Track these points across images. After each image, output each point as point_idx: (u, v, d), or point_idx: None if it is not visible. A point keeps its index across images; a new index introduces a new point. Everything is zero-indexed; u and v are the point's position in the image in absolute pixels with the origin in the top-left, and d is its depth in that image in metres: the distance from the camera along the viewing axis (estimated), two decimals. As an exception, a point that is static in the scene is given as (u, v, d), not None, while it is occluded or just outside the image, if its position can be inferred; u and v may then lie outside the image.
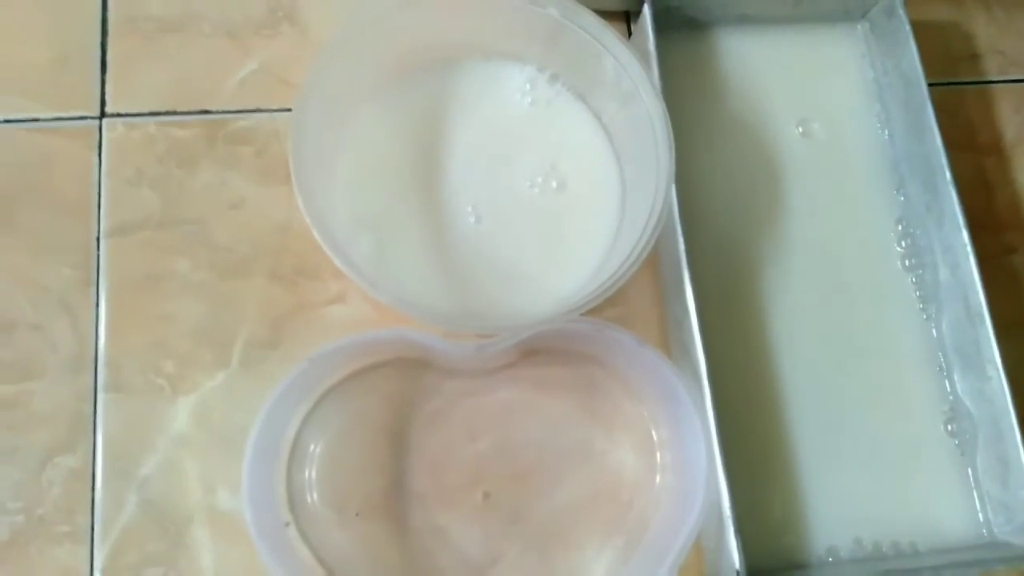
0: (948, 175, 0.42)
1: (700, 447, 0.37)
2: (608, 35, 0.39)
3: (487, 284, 0.41)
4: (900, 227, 0.45)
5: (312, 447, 0.40)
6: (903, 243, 0.44)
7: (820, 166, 0.46)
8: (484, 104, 0.43)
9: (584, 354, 0.42)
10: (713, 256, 0.42)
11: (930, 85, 0.44)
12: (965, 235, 0.41)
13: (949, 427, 0.42)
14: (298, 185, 0.35)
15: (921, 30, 0.45)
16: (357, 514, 0.39)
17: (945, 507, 0.41)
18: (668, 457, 0.41)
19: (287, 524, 0.39)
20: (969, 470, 0.41)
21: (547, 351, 0.42)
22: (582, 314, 0.36)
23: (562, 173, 0.43)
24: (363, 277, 0.34)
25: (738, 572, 0.35)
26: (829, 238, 0.44)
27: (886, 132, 0.46)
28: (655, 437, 0.41)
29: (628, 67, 0.39)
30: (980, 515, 0.41)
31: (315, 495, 0.40)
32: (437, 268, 0.41)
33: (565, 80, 0.43)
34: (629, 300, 0.44)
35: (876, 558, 0.39)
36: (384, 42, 0.41)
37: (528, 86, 0.43)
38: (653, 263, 0.44)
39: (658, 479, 0.40)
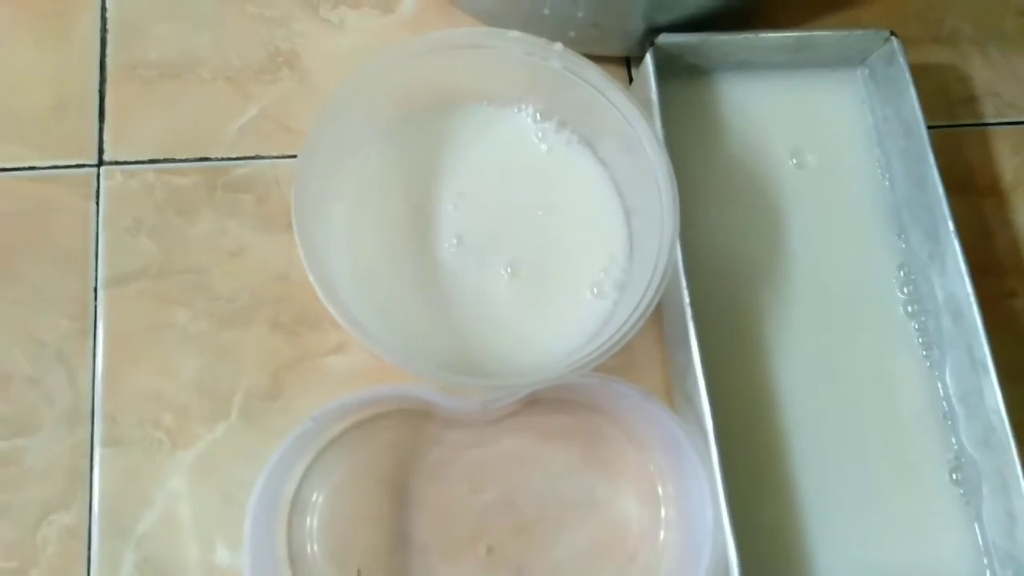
0: (951, 224, 0.42)
1: (706, 503, 0.37)
2: (612, 89, 0.39)
3: (491, 337, 0.41)
4: (902, 273, 0.45)
5: (313, 499, 0.40)
6: (905, 289, 0.44)
7: (821, 211, 0.46)
8: (488, 148, 0.43)
9: (588, 403, 0.42)
10: (716, 302, 0.42)
11: (929, 128, 0.44)
12: (968, 285, 0.41)
13: (954, 476, 0.42)
14: (301, 241, 0.35)
15: (919, 72, 0.45)
16: (359, 571, 0.39)
17: (951, 558, 0.40)
18: (673, 512, 0.40)
19: (288, 582, 0.38)
20: (975, 521, 0.41)
21: (551, 400, 0.42)
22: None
23: (567, 221, 0.43)
24: (367, 337, 0.34)
25: (747, 633, 0.35)
26: (831, 283, 0.44)
27: (887, 178, 0.46)
28: (660, 492, 0.41)
29: (632, 121, 0.39)
30: (987, 567, 0.40)
31: (316, 549, 0.39)
32: (438, 320, 0.41)
33: (572, 126, 0.43)
34: (632, 348, 0.44)
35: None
36: (386, 91, 0.41)
37: (534, 130, 0.43)
38: (656, 312, 0.44)
39: (662, 535, 0.40)
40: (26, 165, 0.44)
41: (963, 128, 0.52)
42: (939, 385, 0.43)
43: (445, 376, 0.35)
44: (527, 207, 0.43)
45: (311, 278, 0.34)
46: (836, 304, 0.44)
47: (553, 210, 0.43)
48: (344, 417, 0.40)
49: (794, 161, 0.46)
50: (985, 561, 0.41)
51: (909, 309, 0.44)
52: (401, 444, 0.41)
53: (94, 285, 0.42)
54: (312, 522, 0.39)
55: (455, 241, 0.42)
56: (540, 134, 0.44)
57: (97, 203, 0.43)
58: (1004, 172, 0.51)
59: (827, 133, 0.47)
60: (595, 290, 0.41)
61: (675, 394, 0.42)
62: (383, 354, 0.34)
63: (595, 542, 0.40)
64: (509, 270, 0.42)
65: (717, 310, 0.42)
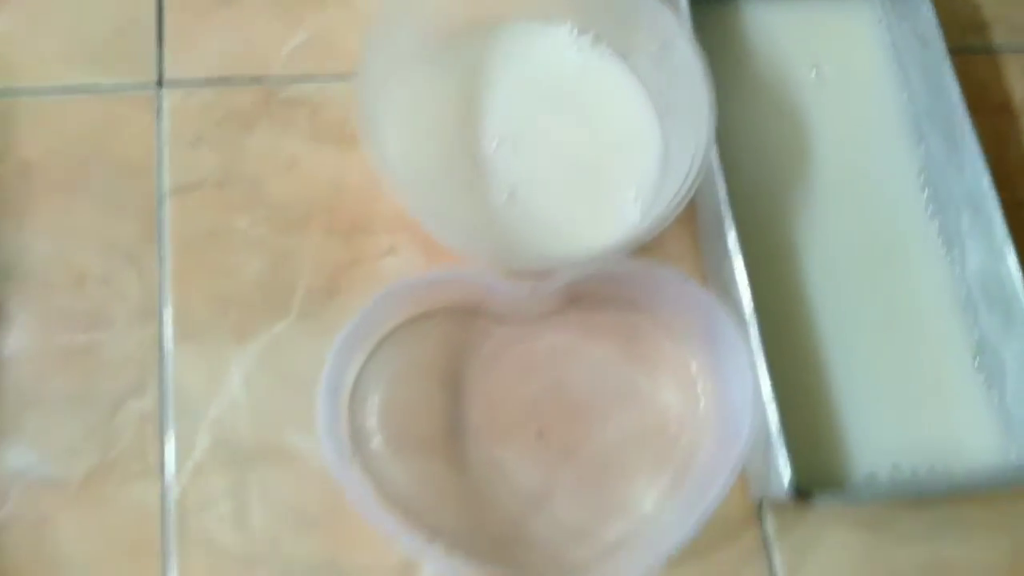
0: (969, 126, 0.45)
1: (746, 375, 0.39)
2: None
3: (533, 239, 0.43)
4: (922, 177, 0.47)
5: (370, 391, 0.42)
6: (925, 191, 0.47)
7: (843, 121, 0.48)
8: (528, 64, 0.46)
9: (626, 300, 0.44)
10: (748, 202, 0.44)
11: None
12: (987, 179, 0.44)
13: (976, 362, 0.44)
14: (366, 140, 0.37)
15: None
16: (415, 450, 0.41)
17: (976, 436, 0.43)
18: (711, 395, 0.42)
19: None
20: (997, 402, 0.43)
21: (591, 298, 0.44)
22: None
23: (604, 129, 0.45)
24: (433, 218, 0.36)
25: (788, 487, 0.37)
26: (855, 187, 0.47)
27: (905, 92, 0.49)
28: (699, 379, 0.43)
29: (665, 24, 0.42)
30: (1010, 441, 0.43)
31: (375, 434, 0.41)
32: (485, 224, 0.43)
33: (608, 41, 0.46)
34: (666, 251, 0.46)
35: (913, 484, 0.41)
36: (429, 11, 0.44)
37: (572, 46, 0.46)
38: (688, 216, 0.47)
39: (703, 412, 0.42)
40: (92, 84, 0.46)
41: (974, 54, 0.54)
42: (961, 278, 0.45)
43: (499, 257, 0.38)
44: (566, 117, 0.46)
45: (379, 173, 0.36)
46: (860, 205, 0.47)
47: (591, 119, 0.46)
48: (397, 308, 0.42)
49: (814, 76, 0.49)
50: (1005, 439, 0.43)
51: (929, 209, 0.47)
52: (452, 340, 0.43)
53: (159, 194, 0.45)
54: (371, 412, 0.42)
55: (500, 149, 0.44)
56: (577, 48, 0.46)
57: (159, 120, 0.46)
58: (1014, 93, 0.54)
59: (846, 52, 0.50)
60: (633, 193, 0.44)
61: (710, 288, 0.45)
62: (447, 236, 0.36)
63: (639, 426, 0.42)
64: (550, 176, 0.44)
65: (749, 209, 0.44)
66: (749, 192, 0.45)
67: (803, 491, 0.37)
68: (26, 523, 0.39)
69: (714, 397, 0.42)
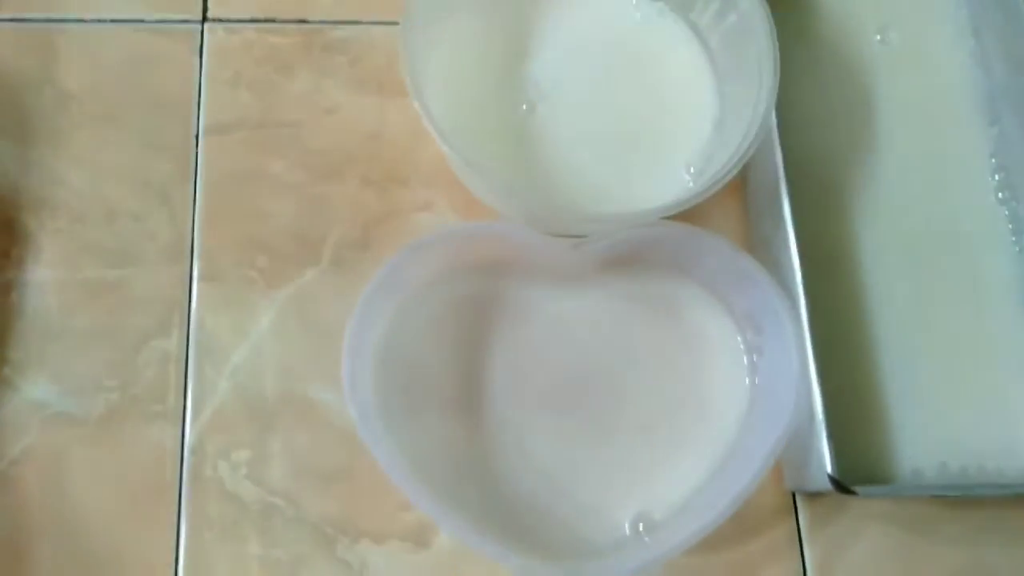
0: (1050, 105, 0.42)
1: (791, 356, 0.37)
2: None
3: (577, 198, 0.42)
4: (994, 160, 0.44)
5: (397, 349, 0.40)
6: (996, 176, 0.44)
7: (909, 93, 0.45)
8: (581, 17, 0.44)
9: (670, 266, 0.42)
10: (804, 174, 0.42)
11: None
12: (1066, 164, 0.41)
13: (1040, 360, 0.41)
14: (413, 88, 0.36)
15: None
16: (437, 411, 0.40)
17: (1029, 439, 0.40)
18: (758, 366, 0.40)
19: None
20: (1060, 403, 0.41)
21: (633, 262, 0.42)
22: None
23: (659, 89, 0.43)
24: (476, 171, 0.35)
25: (829, 476, 0.35)
26: (920, 167, 0.44)
27: (983, 66, 0.46)
28: (745, 352, 0.41)
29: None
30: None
31: (399, 393, 0.40)
32: (528, 181, 0.42)
33: (668, -2, 0.44)
34: (714, 222, 0.44)
35: (962, 482, 0.39)
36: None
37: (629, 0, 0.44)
38: (738, 187, 0.44)
39: (747, 388, 0.40)
40: (136, 17, 0.45)
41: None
42: (1029, 271, 0.43)
43: (544, 215, 0.36)
44: (619, 74, 0.44)
45: (423, 120, 0.35)
46: (924, 186, 0.44)
47: (645, 78, 0.44)
48: (432, 260, 0.40)
49: (879, 39, 0.46)
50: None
51: (1000, 195, 0.44)
52: (482, 299, 0.42)
53: (196, 132, 0.44)
54: (397, 370, 0.40)
55: (548, 104, 0.42)
56: (635, 2, 0.44)
57: (200, 57, 0.45)
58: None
59: (916, 15, 0.47)
60: (684, 156, 0.42)
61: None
62: (487, 190, 0.35)
63: (676, 403, 0.41)
64: (602, 132, 0.42)
65: (805, 181, 0.42)
66: (805, 163, 0.42)
67: (843, 483, 0.35)
68: (43, 456, 0.38)
69: (761, 371, 0.40)
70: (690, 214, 0.38)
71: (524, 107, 0.43)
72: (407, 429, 0.39)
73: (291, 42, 0.46)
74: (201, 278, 0.41)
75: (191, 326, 0.41)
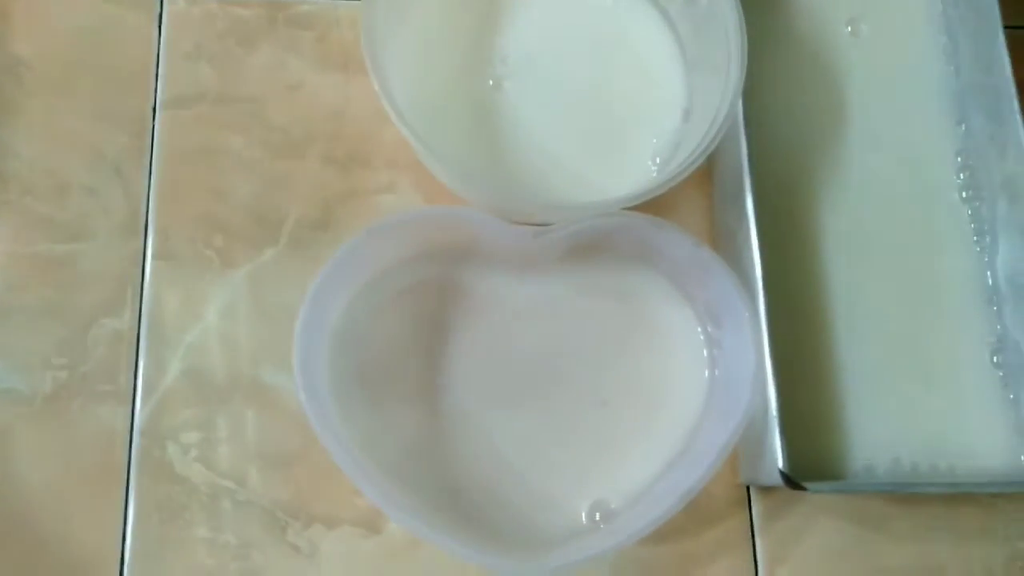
0: (1016, 105, 0.42)
1: (748, 349, 0.37)
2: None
3: (545, 182, 0.41)
4: (959, 159, 0.44)
5: (354, 334, 0.40)
6: (961, 175, 0.44)
7: (877, 88, 0.45)
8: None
9: (632, 257, 0.41)
10: (770, 167, 0.42)
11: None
12: (1029, 165, 0.41)
13: (995, 359, 0.42)
14: (373, 70, 0.35)
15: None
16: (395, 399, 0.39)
17: (986, 435, 0.40)
18: (717, 359, 0.40)
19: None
20: (1013, 403, 0.41)
21: (596, 251, 0.41)
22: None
23: (627, 75, 0.42)
24: (435, 156, 0.34)
25: (780, 472, 0.35)
26: (884, 163, 0.44)
27: (952, 64, 0.46)
28: (705, 343, 0.41)
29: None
30: (1021, 444, 0.40)
31: (356, 379, 0.39)
32: (490, 165, 0.41)
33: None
34: (679, 213, 0.44)
35: (913, 479, 0.39)
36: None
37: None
38: (704, 178, 0.44)
39: (705, 381, 0.40)
40: (92, -17, 0.44)
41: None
42: (988, 270, 0.43)
43: (507, 202, 0.35)
44: (587, 59, 0.43)
45: (384, 102, 0.34)
46: (889, 181, 0.44)
47: (613, 63, 0.43)
48: (391, 245, 0.40)
49: (849, 31, 0.46)
50: (1017, 441, 0.40)
51: (964, 194, 0.44)
52: (442, 285, 0.41)
53: (153, 105, 0.42)
54: (354, 356, 0.40)
55: (515, 81, 0.42)
56: (605, -15, 0.43)
57: (160, 26, 0.44)
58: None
59: (888, 8, 0.47)
60: (650, 144, 0.41)
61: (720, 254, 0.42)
62: (448, 172, 0.34)
63: (636, 393, 0.40)
64: (567, 117, 0.42)
65: (771, 175, 0.42)
66: (771, 155, 0.42)
67: (793, 478, 0.35)
68: (-13, 434, 0.37)
69: (719, 364, 0.40)
70: (656, 204, 0.38)
71: (491, 83, 0.42)
72: (362, 415, 0.39)
73: (255, 14, 0.44)
74: (155, 256, 0.41)
75: (143, 305, 0.40)
